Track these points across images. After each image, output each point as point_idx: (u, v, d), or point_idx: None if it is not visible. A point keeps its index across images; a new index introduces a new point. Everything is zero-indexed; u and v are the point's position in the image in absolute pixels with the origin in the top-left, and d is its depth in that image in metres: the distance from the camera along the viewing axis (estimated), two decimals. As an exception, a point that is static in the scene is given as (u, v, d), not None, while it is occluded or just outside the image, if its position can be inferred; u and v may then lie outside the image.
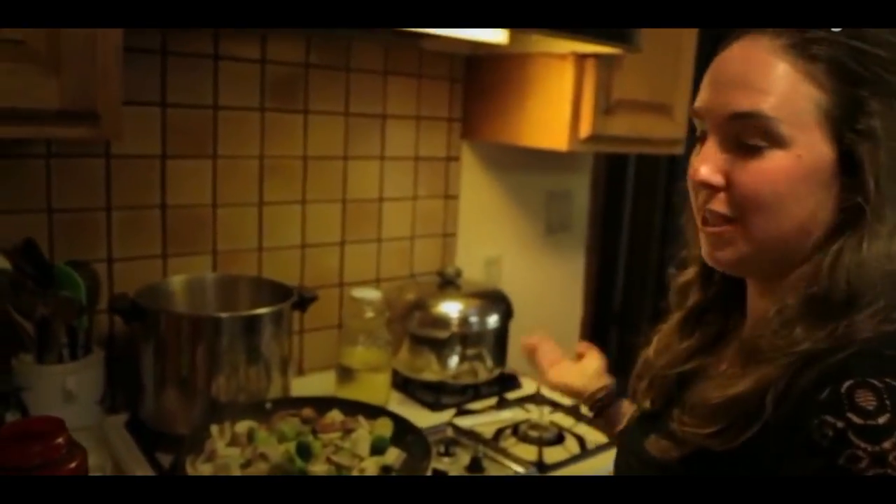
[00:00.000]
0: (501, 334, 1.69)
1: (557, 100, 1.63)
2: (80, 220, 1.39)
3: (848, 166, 0.67)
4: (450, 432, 1.45)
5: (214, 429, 1.23)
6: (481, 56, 1.81)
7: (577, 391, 1.19)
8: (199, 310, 1.45)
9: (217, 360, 1.30)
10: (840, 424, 0.59)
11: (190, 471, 1.13)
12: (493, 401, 1.61)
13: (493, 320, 1.66)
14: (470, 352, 1.64)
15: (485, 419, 1.53)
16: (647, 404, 0.89)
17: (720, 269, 0.78)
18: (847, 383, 0.60)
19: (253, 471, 1.13)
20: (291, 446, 1.17)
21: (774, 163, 0.67)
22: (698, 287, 0.87)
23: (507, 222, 2.06)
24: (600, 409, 1.15)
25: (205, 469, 1.14)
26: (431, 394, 1.61)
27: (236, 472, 1.13)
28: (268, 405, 1.32)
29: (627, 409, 1.11)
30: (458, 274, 1.69)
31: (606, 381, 1.17)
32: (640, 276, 2.87)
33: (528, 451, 1.39)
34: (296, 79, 1.59)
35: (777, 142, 0.67)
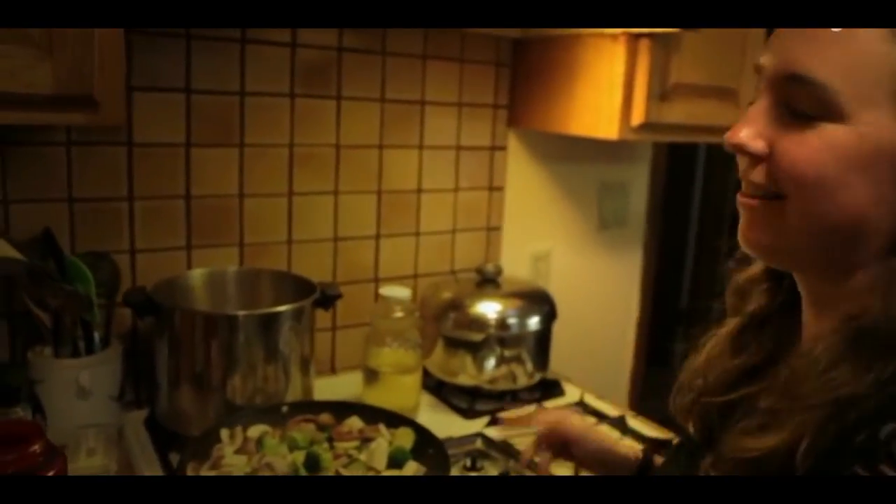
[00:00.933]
0: (543, 337, 1.58)
1: (608, 84, 1.50)
2: (102, 210, 1.35)
3: None
4: (479, 444, 1.35)
5: (225, 433, 1.16)
6: (530, 38, 1.68)
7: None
8: (218, 305, 1.39)
9: (233, 360, 1.24)
10: (867, 475, 0.49)
11: (192, 477, 1.07)
12: (531, 408, 1.50)
13: (534, 322, 1.55)
14: (508, 355, 1.53)
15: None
16: (689, 428, 0.77)
17: (753, 255, 0.65)
18: (887, 429, 0.49)
19: (258, 481, 1.06)
20: (300, 456, 1.10)
21: (826, 137, 0.55)
22: (763, 289, 0.72)
23: (557, 216, 1.93)
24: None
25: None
26: (466, 399, 1.51)
27: (240, 482, 1.06)
28: (284, 409, 1.24)
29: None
30: (499, 271, 1.58)
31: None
32: (708, 273, 2.70)
33: (565, 470, 1.28)
34: (328, 63, 1.51)
35: (833, 114, 0.55)
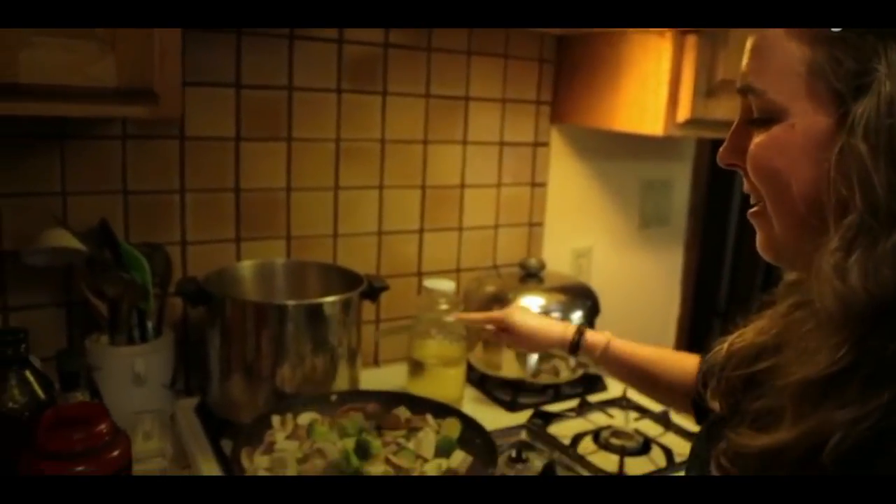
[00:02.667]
0: (586, 332, 1.58)
1: (654, 80, 1.49)
2: (155, 202, 1.38)
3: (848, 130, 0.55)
4: (524, 435, 1.35)
5: (276, 419, 1.19)
6: (573, 34, 1.69)
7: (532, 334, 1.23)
8: (267, 296, 1.41)
9: (282, 349, 1.26)
10: None
11: (245, 462, 1.10)
12: (574, 403, 1.50)
13: (576, 316, 1.55)
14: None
15: (564, 423, 1.42)
16: (715, 405, 0.77)
17: (770, 261, 0.68)
18: None
19: (308, 466, 1.08)
20: (350, 443, 1.11)
21: (771, 135, 0.60)
22: (804, 289, 0.72)
23: (599, 213, 1.93)
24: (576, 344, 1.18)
25: (261, 461, 1.10)
26: (509, 392, 1.52)
27: (292, 467, 1.08)
28: (333, 397, 1.27)
29: (631, 350, 1.16)
30: (542, 266, 1.59)
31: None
32: (748, 272, 2.67)
33: (609, 461, 1.28)
34: (374, 59, 1.53)
35: (777, 114, 0.60)
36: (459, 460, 1.12)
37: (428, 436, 1.16)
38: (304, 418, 1.20)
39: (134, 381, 1.28)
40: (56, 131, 1.28)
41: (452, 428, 1.19)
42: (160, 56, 1.00)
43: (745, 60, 0.63)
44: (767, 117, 0.61)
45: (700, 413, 0.98)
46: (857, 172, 0.53)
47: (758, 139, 0.62)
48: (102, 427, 0.87)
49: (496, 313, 1.28)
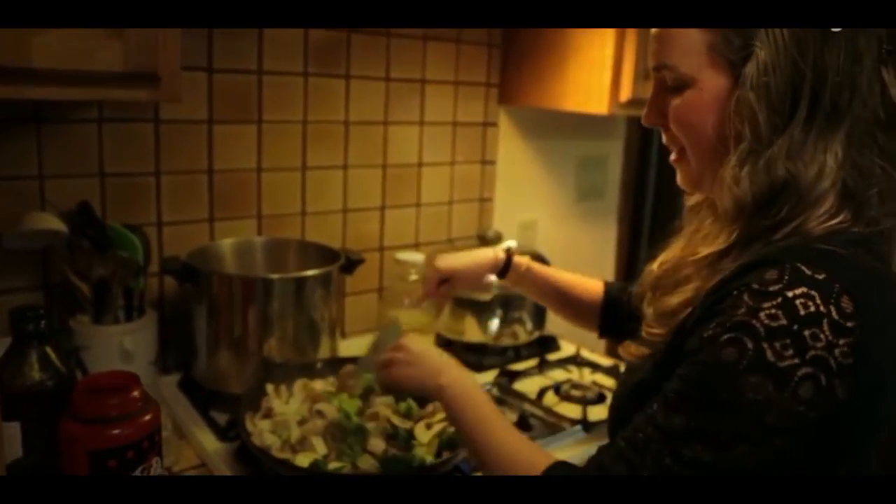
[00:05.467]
0: (540, 298, 1.71)
1: (599, 64, 1.63)
2: (131, 185, 1.41)
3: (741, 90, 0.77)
4: (495, 391, 1.47)
5: (270, 388, 1.26)
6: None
7: (468, 266, 1.30)
8: (249, 272, 1.47)
9: (268, 321, 1.33)
10: (741, 289, 0.70)
11: (249, 426, 1.17)
12: (534, 362, 1.63)
13: (532, 284, 1.68)
14: (511, 315, 1.66)
15: (528, 379, 1.55)
16: (645, 309, 0.93)
17: (694, 192, 0.91)
18: (763, 265, 0.70)
19: (310, 426, 1.16)
20: (349, 404, 1.20)
21: (687, 98, 0.80)
22: (708, 207, 0.92)
23: (542, 188, 2.07)
24: (506, 267, 1.30)
25: (263, 425, 1.18)
26: (474, 355, 1.64)
27: (294, 429, 1.16)
28: (318, 364, 1.35)
29: (548, 270, 1.33)
30: (499, 237, 1.71)
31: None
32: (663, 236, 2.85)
33: (573, 410, 1.42)
34: (338, 44, 1.60)
35: (686, 82, 0.80)
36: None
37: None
38: (299, 385, 1.28)
39: (123, 359, 1.32)
40: (32, 115, 1.29)
41: None
42: (162, 40, 1.05)
43: (653, 45, 0.83)
44: (680, 85, 0.80)
45: (603, 328, 1.28)
46: (748, 113, 0.75)
47: (676, 102, 0.81)
48: (136, 393, 0.92)
49: (431, 273, 1.31)
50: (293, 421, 1.18)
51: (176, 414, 1.33)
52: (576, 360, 1.64)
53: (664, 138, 0.88)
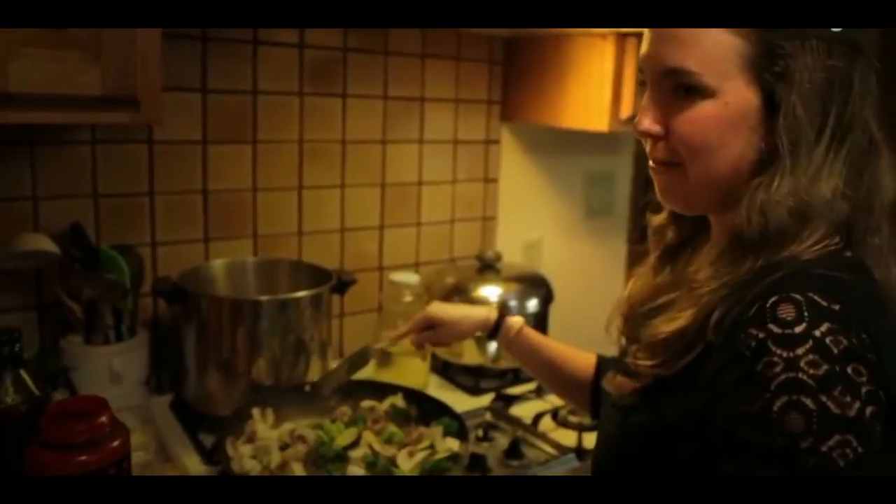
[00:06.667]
0: (542, 319, 1.68)
1: (598, 80, 1.60)
2: (125, 205, 1.41)
3: (771, 108, 0.71)
4: (489, 417, 1.44)
5: (256, 411, 1.25)
6: (521, 38, 1.78)
7: (456, 319, 1.18)
8: (239, 293, 1.46)
9: (257, 343, 1.32)
10: (762, 335, 0.64)
11: (230, 451, 1.15)
12: (532, 385, 1.60)
13: (532, 304, 1.65)
14: (509, 336, 1.63)
15: (524, 404, 1.52)
16: (622, 342, 0.90)
17: (673, 209, 0.84)
18: (772, 299, 0.65)
19: (291, 452, 1.14)
20: (337, 429, 1.18)
21: (704, 111, 0.72)
22: (672, 226, 0.89)
23: (547, 206, 2.04)
24: (496, 327, 1.16)
25: (245, 450, 1.16)
26: (471, 378, 1.61)
27: (275, 454, 1.14)
28: (307, 388, 1.33)
29: (540, 338, 1.18)
30: (498, 258, 1.68)
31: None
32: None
33: (568, 437, 1.38)
34: (334, 63, 1.59)
35: (705, 92, 0.71)
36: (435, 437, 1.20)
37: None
38: (286, 413, 1.26)
39: (111, 380, 1.32)
40: (26, 137, 1.30)
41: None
42: (142, 63, 1.05)
43: (664, 46, 0.73)
44: (696, 93, 0.72)
45: (595, 407, 1.09)
46: (790, 136, 0.69)
47: (688, 115, 0.72)
48: (103, 419, 0.91)
49: (418, 316, 1.21)
50: (275, 446, 1.16)
51: (164, 436, 1.32)
52: (576, 383, 1.61)
53: (652, 148, 0.79)
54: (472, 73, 1.80)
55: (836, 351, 0.62)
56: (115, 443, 0.92)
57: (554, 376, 1.17)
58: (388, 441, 1.18)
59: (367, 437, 1.18)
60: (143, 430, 1.27)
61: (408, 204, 1.77)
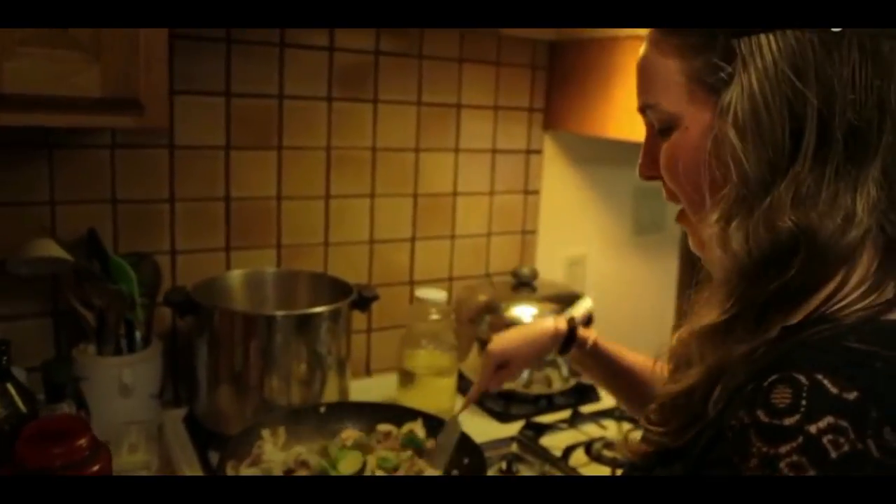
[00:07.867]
0: (579, 341, 1.57)
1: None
2: (144, 212, 1.37)
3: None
4: (515, 448, 1.34)
5: (266, 432, 1.18)
6: (565, 40, 1.68)
7: (525, 346, 1.12)
8: (257, 306, 1.41)
9: (271, 360, 1.25)
10: (747, 420, 0.53)
11: (230, 474, 1.09)
12: (566, 414, 1.49)
13: (569, 326, 1.54)
14: (544, 357, 1.52)
15: (556, 434, 1.41)
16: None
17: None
18: (772, 377, 0.53)
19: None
20: (341, 453, 1.11)
21: (672, 141, 0.66)
22: None
23: (593, 220, 1.92)
24: (568, 340, 1.09)
25: (246, 473, 1.09)
26: (501, 403, 1.51)
27: (278, 479, 1.07)
28: (322, 409, 1.25)
29: (618, 348, 1.10)
30: (534, 275, 1.58)
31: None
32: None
33: (601, 473, 1.27)
34: (365, 67, 1.52)
35: (674, 123, 0.66)
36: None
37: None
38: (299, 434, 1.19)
39: (121, 392, 1.27)
40: (44, 140, 1.27)
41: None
42: (145, 65, 1.00)
43: (638, 82, 0.69)
44: (667, 126, 0.66)
45: None
46: (729, 152, 0.60)
47: (664, 146, 0.67)
48: (82, 441, 0.85)
49: (486, 364, 1.13)
50: (277, 470, 1.09)
51: (172, 452, 1.27)
52: (614, 414, 1.49)
53: (664, 194, 0.72)
54: (512, 78, 1.70)
55: (833, 455, 0.49)
56: (95, 468, 0.86)
57: (629, 389, 1.08)
58: (395, 469, 1.10)
59: (373, 463, 1.09)
60: (148, 446, 1.22)
61: (442, 215, 1.69)
